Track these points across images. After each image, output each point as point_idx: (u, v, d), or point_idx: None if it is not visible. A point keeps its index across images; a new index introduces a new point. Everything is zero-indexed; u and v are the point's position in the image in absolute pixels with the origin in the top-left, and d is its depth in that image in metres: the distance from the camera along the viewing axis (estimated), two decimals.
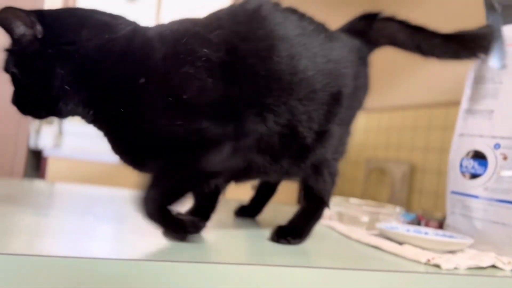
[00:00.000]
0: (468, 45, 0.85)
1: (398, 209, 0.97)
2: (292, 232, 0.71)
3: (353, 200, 1.05)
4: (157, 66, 0.59)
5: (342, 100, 0.72)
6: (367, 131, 3.37)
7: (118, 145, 0.63)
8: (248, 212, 0.93)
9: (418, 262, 0.66)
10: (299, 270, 0.55)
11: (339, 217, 0.96)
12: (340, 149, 0.79)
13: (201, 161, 0.60)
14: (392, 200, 2.80)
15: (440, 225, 0.91)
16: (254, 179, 0.82)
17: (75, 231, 0.64)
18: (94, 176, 1.99)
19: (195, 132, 0.58)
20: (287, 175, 0.75)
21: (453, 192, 0.87)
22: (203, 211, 0.75)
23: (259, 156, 0.66)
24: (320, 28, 0.73)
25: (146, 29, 0.64)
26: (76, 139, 2.30)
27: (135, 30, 0.63)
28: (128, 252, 0.57)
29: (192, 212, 0.75)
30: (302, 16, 0.71)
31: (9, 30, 0.59)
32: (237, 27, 0.64)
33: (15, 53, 0.60)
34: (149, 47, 0.61)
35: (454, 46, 0.85)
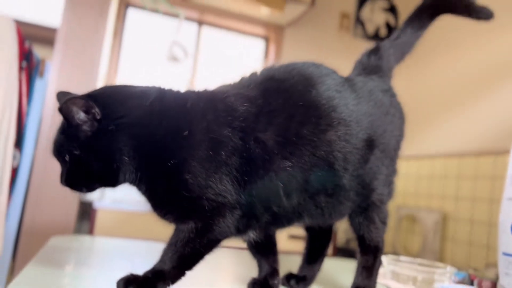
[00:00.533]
0: None
1: (449, 268, 1.02)
2: None
3: (403, 258, 1.11)
4: (198, 121, 0.65)
5: (374, 144, 0.75)
6: (396, 178, 3.40)
7: (156, 199, 0.68)
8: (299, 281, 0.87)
9: None
10: None
11: (394, 276, 1.02)
12: (386, 190, 0.80)
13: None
14: (424, 249, 2.80)
15: (494, 285, 0.96)
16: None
17: None
18: (141, 226, 2.07)
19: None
20: (330, 218, 0.75)
21: (505, 254, 0.93)
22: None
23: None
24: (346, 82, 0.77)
25: (172, 91, 0.72)
26: (117, 189, 2.41)
27: (162, 92, 0.70)
28: None
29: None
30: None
31: (69, 118, 0.64)
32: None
33: (76, 137, 0.64)
34: (189, 106, 0.68)
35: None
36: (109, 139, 0.64)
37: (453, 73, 2.97)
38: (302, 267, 0.88)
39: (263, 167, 0.65)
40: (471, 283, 1.00)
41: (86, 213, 2.21)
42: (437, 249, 2.76)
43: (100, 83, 2.39)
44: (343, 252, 2.94)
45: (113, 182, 0.67)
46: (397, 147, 0.83)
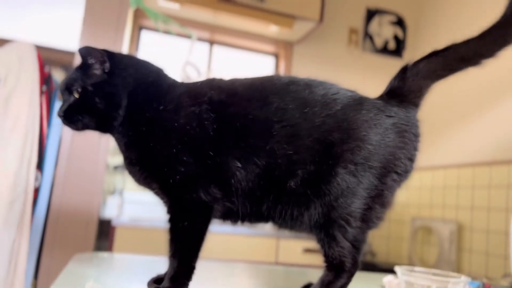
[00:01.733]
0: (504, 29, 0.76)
1: (463, 277, 1.03)
2: None
3: (418, 268, 1.13)
4: (173, 100, 0.77)
5: (338, 152, 0.72)
6: (410, 189, 3.41)
7: (130, 158, 0.78)
8: None
9: None
10: None
11: (408, 286, 1.03)
12: (365, 217, 0.74)
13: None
14: (440, 260, 2.79)
15: None
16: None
17: None
18: (160, 242, 2.11)
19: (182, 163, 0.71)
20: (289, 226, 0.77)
21: None
22: None
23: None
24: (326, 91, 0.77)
25: (168, 77, 0.86)
26: (136, 207, 2.46)
27: (161, 74, 0.85)
28: None
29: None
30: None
31: (85, 61, 0.79)
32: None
33: (91, 76, 0.78)
34: (171, 86, 0.81)
35: (492, 37, 0.77)
36: (111, 89, 0.78)
37: (465, 82, 2.99)
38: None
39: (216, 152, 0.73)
40: None
41: (105, 231, 2.25)
42: (454, 260, 2.74)
43: None
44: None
45: (107, 125, 0.79)
46: (387, 171, 0.75)
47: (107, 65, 0.79)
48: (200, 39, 3.15)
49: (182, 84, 0.83)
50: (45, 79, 1.95)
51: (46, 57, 2.00)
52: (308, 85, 0.77)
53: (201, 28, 3.11)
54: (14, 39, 1.78)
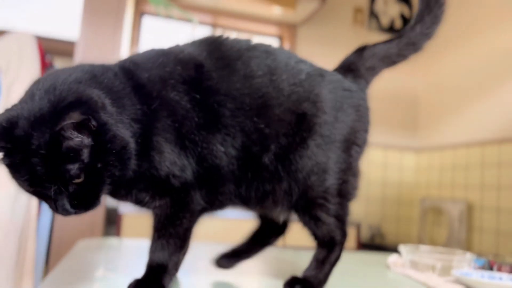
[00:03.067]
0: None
1: (468, 255, 1.02)
2: (304, 283, 0.72)
3: (423, 247, 1.12)
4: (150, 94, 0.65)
5: (310, 124, 0.71)
6: (419, 170, 3.38)
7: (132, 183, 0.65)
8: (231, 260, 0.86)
9: None
10: None
11: (413, 265, 1.02)
12: (342, 192, 0.75)
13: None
14: (450, 240, 2.77)
15: None
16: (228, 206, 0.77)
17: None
18: None
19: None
20: (261, 205, 0.74)
21: None
22: None
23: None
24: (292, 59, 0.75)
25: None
26: None
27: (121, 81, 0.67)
28: None
29: None
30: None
31: (59, 139, 0.56)
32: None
33: (76, 152, 0.56)
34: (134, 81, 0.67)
35: (429, 20, 0.83)
36: (117, 140, 0.60)
37: (472, 61, 2.93)
38: (239, 245, 0.88)
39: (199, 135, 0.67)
40: (491, 269, 1.00)
41: (112, 220, 2.27)
42: (464, 240, 2.72)
43: None
44: (368, 248, 2.93)
45: (125, 175, 0.63)
46: (350, 143, 0.75)
47: (93, 122, 0.56)
48: (203, 23, 3.12)
49: (138, 71, 0.68)
50: (47, 69, 1.95)
51: (48, 47, 1.99)
52: (268, 52, 0.75)
53: (204, 12, 3.08)
54: (14, 30, 1.78)
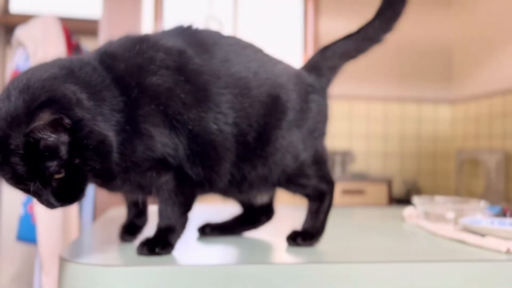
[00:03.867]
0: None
1: (482, 203, 1.02)
2: (304, 234, 0.78)
3: (438, 198, 1.12)
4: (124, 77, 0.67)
5: (284, 108, 0.76)
6: (454, 122, 3.29)
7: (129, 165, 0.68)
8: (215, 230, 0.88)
9: (499, 252, 0.74)
10: (387, 265, 0.66)
11: (426, 216, 1.04)
12: (316, 159, 0.80)
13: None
14: (488, 191, 2.72)
15: None
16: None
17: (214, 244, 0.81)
18: None
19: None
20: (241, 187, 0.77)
21: None
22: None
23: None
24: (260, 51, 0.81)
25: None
26: None
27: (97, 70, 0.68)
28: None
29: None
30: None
31: (35, 140, 0.57)
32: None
33: (53, 150, 0.58)
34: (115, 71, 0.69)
35: (388, 13, 0.86)
36: (95, 135, 0.61)
37: (508, 5, 2.77)
38: (225, 222, 0.91)
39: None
40: (504, 216, 1.00)
41: None
42: (502, 190, 2.66)
43: None
44: (403, 203, 2.93)
45: (109, 170, 0.65)
46: (312, 130, 0.81)
47: (66, 120, 0.57)
48: None
49: (115, 63, 0.69)
50: (74, 50, 2.03)
51: (73, 28, 2.06)
52: (240, 42, 0.79)
53: None
54: (39, 14, 1.86)
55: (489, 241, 0.78)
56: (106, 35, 2.27)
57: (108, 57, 0.70)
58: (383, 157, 3.29)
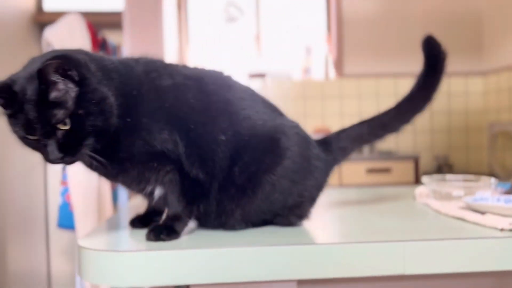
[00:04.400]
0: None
1: (493, 180, 1.03)
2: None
3: (449, 176, 1.13)
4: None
5: (282, 153, 0.80)
6: (486, 94, 3.19)
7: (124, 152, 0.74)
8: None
9: (496, 229, 0.75)
10: (378, 245, 0.70)
11: (435, 195, 1.06)
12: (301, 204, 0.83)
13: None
14: None
15: None
16: None
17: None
18: None
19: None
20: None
21: None
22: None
23: None
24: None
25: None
26: None
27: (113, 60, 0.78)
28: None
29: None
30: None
31: (44, 84, 0.65)
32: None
33: (62, 99, 0.66)
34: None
35: (407, 108, 0.95)
36: (99, 93, 0.69)
37: None
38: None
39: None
40: None
41: None
42: None
43: (170, 54, 2.59)
44: None
45: (109, 131, 0.71)
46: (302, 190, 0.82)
47: (74, 72, 0.66)
48: None
49: (136, 65, 0.78)
50: (100, 45, 2.12)
51: (97, 22, 2.14)
52: (249, 89, 0.86)
53: None
54: (67, 11, 1.94)
55: (487, 219, 0.80)
56: (130, 27, 2.36)
57: (131, 60, 0.79)
58: (413, 134, 3.25)
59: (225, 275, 0.67)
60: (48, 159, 0.68)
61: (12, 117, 0.67)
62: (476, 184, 1.02)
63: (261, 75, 3.25)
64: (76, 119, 0.67)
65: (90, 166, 0.75)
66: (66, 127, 0.66)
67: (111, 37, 2.32)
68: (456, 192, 1.00)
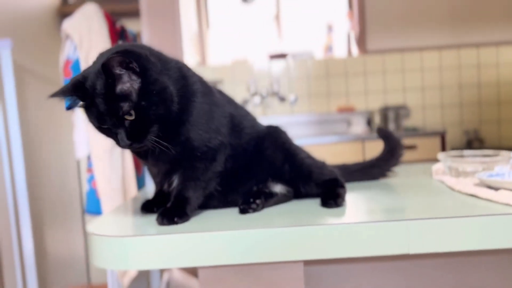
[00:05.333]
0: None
1: (505, 153, 0.99)
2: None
3: (467, 152, 1.10)
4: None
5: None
6: None
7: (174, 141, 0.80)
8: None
9: (509, 205, 0.73)
10: (382, 224, 0.69)
11: (450, 171, 1.03)
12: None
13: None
14: None
15: None
16: None
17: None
18: None
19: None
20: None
21: None
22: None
23: None
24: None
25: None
26: None
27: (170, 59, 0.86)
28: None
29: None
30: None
31: (110, 77, 0.72)
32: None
33: (126, 91, 0.72)
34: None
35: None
36: (160, 84, 0.75)
37: None
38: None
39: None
40: None
41: None
42: None
43: (188, 39, 2.60)
44: None
45: (168, 118, 0.77)
46: None
47: (135, 64, 0.72)
48: None
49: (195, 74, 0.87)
50: (119, 34, 2.15)
51: (116, 10, 2.16)
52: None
53: None
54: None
55: (500, 195, 0.77)
56: (147, 15, 2.37)
57: (184, 65, 0.85)
58: (440, 109, 3.16)
59: (233, 257, 0.69)
60: (119, 145, 0.75)
61: (87, 109, 0.75)
62: (493, 159, 0.99)
63: (282, 56, 3.22)
64: (141, 110, 0.73)
65: (153, 152, 0.80)
66: (132, 118, 0.73)
67: (130, 25, 2.34)
68: (470, 168, 0.98)
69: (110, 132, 0.75)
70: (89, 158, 1.92)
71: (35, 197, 2.31)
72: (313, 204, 0.87)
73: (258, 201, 0.83)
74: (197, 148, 0.81)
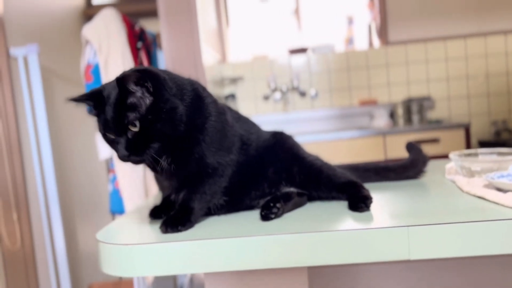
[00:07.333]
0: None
1: None
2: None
3: (481, 150, 1.07)
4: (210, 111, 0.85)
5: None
6: None
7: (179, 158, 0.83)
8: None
9: None
10: (382, 231, 0.69)
11: (462, 171, 1.01)
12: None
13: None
14: None
15: None
16: None
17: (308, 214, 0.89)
18: None
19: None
20: None
21: None
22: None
23: None
24: None
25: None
26: None
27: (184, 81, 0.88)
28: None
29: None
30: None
31: (124, 90, 0.76)
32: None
33: (136, 104, 0.76)
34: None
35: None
36: (171, 104, 0.78)
37: None
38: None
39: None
40: None
41: None
42: None
43: (207, 38, 2.62)
44: (491, 146, 2.74)
45: (175, 140, 0.80)
46: None
47: (149, 83, 0.75)
48: None
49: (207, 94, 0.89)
50: (138, 36, 2.19)
51: (134, 11, 2.19)
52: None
53: None
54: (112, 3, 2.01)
55: (508, 198, 0.75)
56: (165, 15, 2.39)
57: (200, 86, 0.88)
58: (466, 99, 3.07)
59: (238, 263, 0.71)
60: (118, 156, 0.77)
61: (98, 117, 0.79)
62: (506, 158, 0.96)
63: (303, 50, 3.20)
64: (146, 123, 0.75)
65: (153, 168, 0.83)
66: (136, 129, 0.75)
67: (149, 26, 2.38)
68: (480, 168, 0.95)
69: (113, 142, 0.78)
70: (111, 159, 1.98)
71: (65, 196, 2.40)
72: (316, 208, 0.87)
73: (278, 205, 0.83)
74: (209, 165, 0.84)
